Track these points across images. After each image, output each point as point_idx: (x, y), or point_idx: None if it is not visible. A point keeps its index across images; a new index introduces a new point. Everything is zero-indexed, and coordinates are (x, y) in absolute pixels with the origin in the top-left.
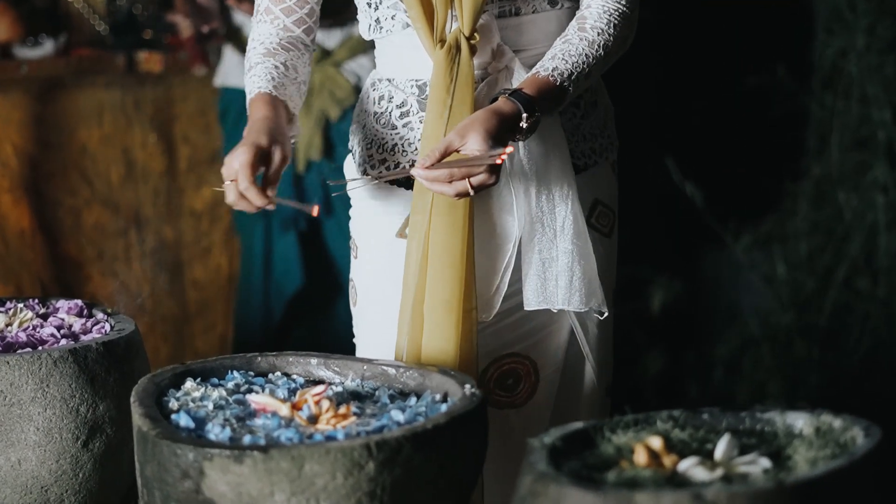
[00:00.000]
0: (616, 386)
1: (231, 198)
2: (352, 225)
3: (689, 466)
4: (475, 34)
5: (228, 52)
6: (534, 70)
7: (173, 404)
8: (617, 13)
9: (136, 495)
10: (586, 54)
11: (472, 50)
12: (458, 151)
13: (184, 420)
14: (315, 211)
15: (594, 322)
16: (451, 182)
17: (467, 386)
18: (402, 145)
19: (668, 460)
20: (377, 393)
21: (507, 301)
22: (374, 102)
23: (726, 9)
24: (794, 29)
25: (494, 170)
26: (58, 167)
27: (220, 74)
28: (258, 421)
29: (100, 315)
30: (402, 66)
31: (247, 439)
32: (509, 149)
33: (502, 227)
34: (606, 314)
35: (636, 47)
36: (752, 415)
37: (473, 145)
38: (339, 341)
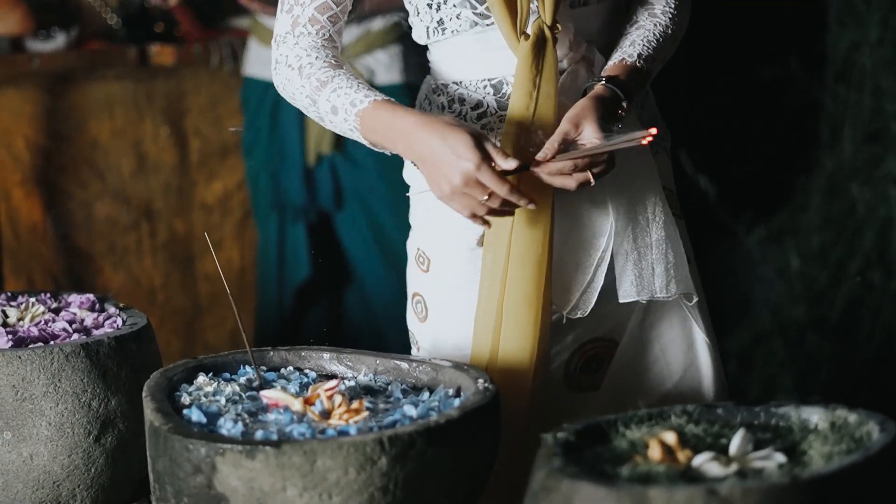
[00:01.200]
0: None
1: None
2: (418, 237)
3: (704, 461)
4: (557, 24)
5: (253, 45)
6: (617, 57)
7: (185, 399)
8: None
9: (148, 490)
10: (662, 38)
11: (555, 40)
12: (574, 141)
13: (196, 415)
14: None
15: (672, 308)
16: (572, 174)
17: (480, 380)
18: None
19: (682, 455)
20: (390, 388)
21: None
22: (442, 108)
23: (739, 1)
24: (806, 22)
25: (611, 158)
26: (69, 160)
27: (246, 64)
28: (270, 416)
29: (112, 309)
30: (472, 67)
31: (259, 434)
32: (653, 129)
33: (592, 221)
34: (697, 299)
35: None
36: (766, 409)
37: (589, 134)
38: (350, 330)
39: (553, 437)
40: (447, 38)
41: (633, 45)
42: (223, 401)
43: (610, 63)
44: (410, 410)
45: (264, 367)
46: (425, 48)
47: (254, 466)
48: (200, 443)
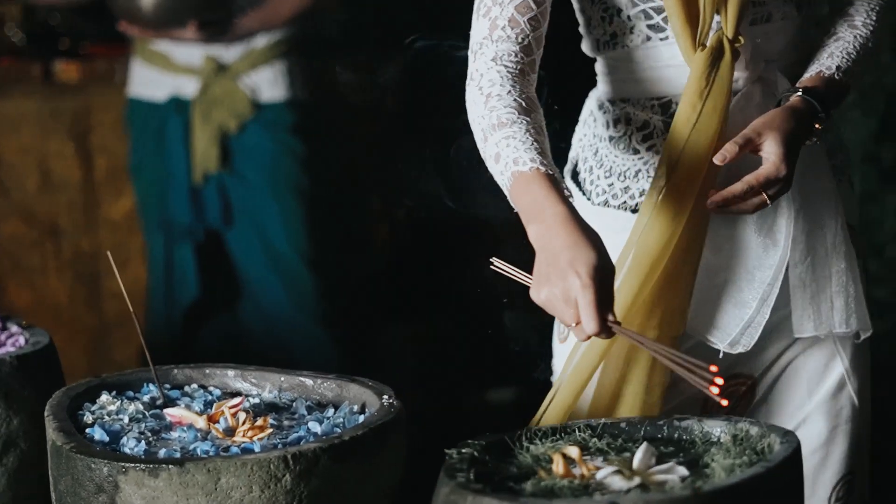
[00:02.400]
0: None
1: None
2: None
3: (607, 475)
4: (739, 38)
5: (136, 65)
6: (814, 69)
7: (88, 418)
8: (879, 6)
9: None
10: (863, 51)
11: (735, 55)
12: (759, 149)
13: (98, 434)
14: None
15: (857, 348)
16: (746, 198)
17: (385, 396)
18: (647, 170)
19: (585, 469)
20: (294, 404)
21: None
22: (608, 126)
23: None
24: None
25: (788, 178)
26: None
27: (130, 85)
28: (174, 434)
29: (14, 328)
30: (640, 84)
31: (162, 453)
32: (720, 381)
33: (756, 252)
34: (867, 333)
35: None
36: (670, 423)
37: (770, 147)
38: (252, 347)
39: (457, 453)
40: (618, 52)
41: (832, 56)
42: (126, 419)
43: (806, 75)
44: (315, 427)
45: (168, 385)
46: (592, 60)
47: (157, 485)
48: (103, 462)
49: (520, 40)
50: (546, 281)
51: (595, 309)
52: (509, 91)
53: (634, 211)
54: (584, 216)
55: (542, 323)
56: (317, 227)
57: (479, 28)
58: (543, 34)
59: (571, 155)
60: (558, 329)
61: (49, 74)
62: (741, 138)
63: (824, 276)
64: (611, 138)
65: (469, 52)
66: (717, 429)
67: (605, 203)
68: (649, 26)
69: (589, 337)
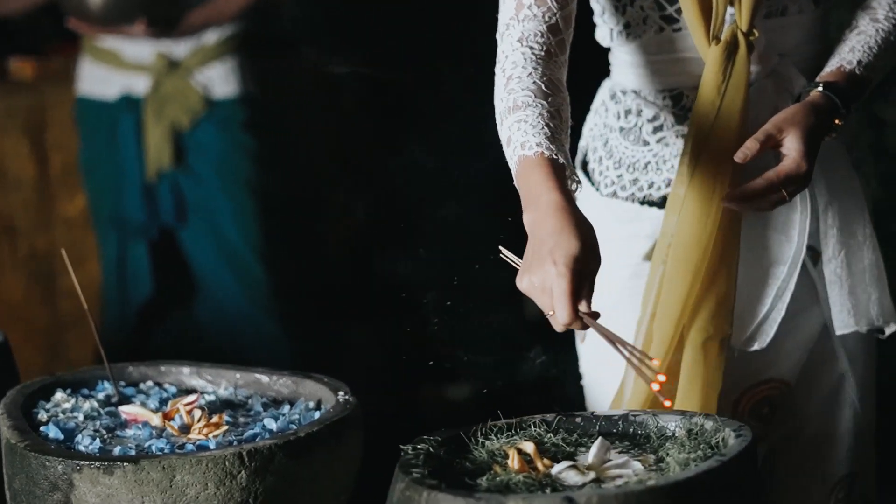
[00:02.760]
0: (497, 389)
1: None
2: None
3: (562, 470)
4: (754, 31)
5: (86, 63)
6: (835, 63)
7: (43, 416)
8: None
9: None
10: (886, 45)
11: (750, 48)
12: (780, 145)
13: (53, 432)
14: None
15: (861, 340)
16: (766, 195)
17: (341, 393)
18: (657, 163)
19: (541, 465)
20: (250, 401)
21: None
22: (619, 117)
23: None
24: None
25: (808, 174)
26: None
27: (80, 83)
28: (129, 431)
29: None
30: (652, 75)
31: (117, 450)
32: (662, 377)
33: (770, 248)
34: (894, 328)
35: None
36: (625, 418)
37: (791, 144)
38: (207, 344)
39: (412, 449)
40: (631, 42)
41: (853, 51)
42: (81, 417)
43: (827, 69)
44: (271, 424)
45: (123, 383)
46: (607, 50)
47: (112, 483)
48: (57, 460)
49: (547, 19)
50: (528, 268)
51: (567, 299)
52: (530, 73)
53: (643, 203)
54: (592, 206)
55: (501, 321)
56: (272, 223)
57: (506, 8)
58: (573, 13)
59: (581, 144)
60: (578, 332)
61: (4, 72)
62: (762, 134)
63: (859, 269)
64: (621, 129)
65: (497, 35)
66: (672, 423)
67: (614, 194)
68: (662, 17)
69: (565, 327)
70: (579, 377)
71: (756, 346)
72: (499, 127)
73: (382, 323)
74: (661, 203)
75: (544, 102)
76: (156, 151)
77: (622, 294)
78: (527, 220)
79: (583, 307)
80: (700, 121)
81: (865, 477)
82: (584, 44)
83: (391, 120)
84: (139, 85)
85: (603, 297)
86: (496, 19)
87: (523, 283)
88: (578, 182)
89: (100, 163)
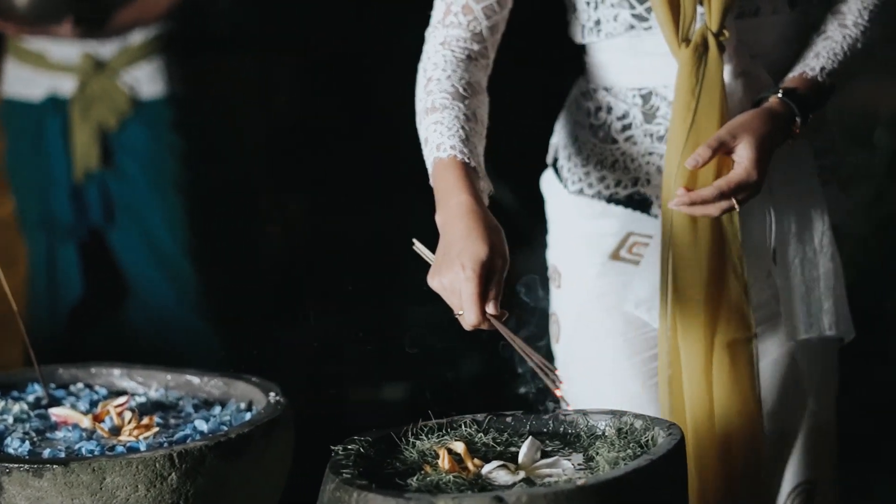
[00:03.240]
0: (432, 389)
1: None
2: (552, 252)
3: (492, 470)
4: (724, 31)
5: (11, 65)
6: (798, 69)
7: None
8: (875, 7)
9: None
10: (851, 52)
11: (721, 48)
12: (732, 151)
13: None
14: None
15: (819, 351)
16: (715, 202)
17: (272, 394)
18: (624, 161)
19: (471, 464)
20: (181, 403)
21: None
22: (589, 114)
23: None
24: None
25: (758, 183)
26: None
27: (4, 84)
28: (59, 434)
29: None
30: (622, 73)
31: (46, 453)
32: (559, 389)
33: (754, 245)
34: (851, 337)
35: None
36: (555, 417)
37: (743, 151)
38: (139, 345)
39: (343, 449)
40: (602, 40)
41: (818, 57)
42: (10, 419)
43: (790, 75)
44: (202, 425)
45: (53, 385)
46: (581, 48)
47: (41, 485)
48: None
49: (471, 28)
50: (438, 269)
51: (474, 302)
52: (449, 76)
53: (609, 201)
54: (560, 203)
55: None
56: (202, 223)
57: (436, 11)
58: (501, 21)
59: (553, 141)
60: (552, 331)
61: None
62: (714, 140)
63: (813, 277)
64: (590, 126)
65: (425, 33)
66: (602, 422)
67: (580, 191)
68: (633, 15)
69: (473, 328)
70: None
71: None
72: (418, 126)
73: (315, 322)
74: (626, 201)
75: (461, 105)
76: (83, 152)
77: (590, 294)
78: (438, 220)
79: (490, 309)
80: (678, 126)
81: (826, 485)
82: (566, 41)
83: (323, 119)
84: (65, 86)
85: (573, 295)
86: (428, 16)
87: (434, 283)
88: (488, 189)
89: (27, 164)
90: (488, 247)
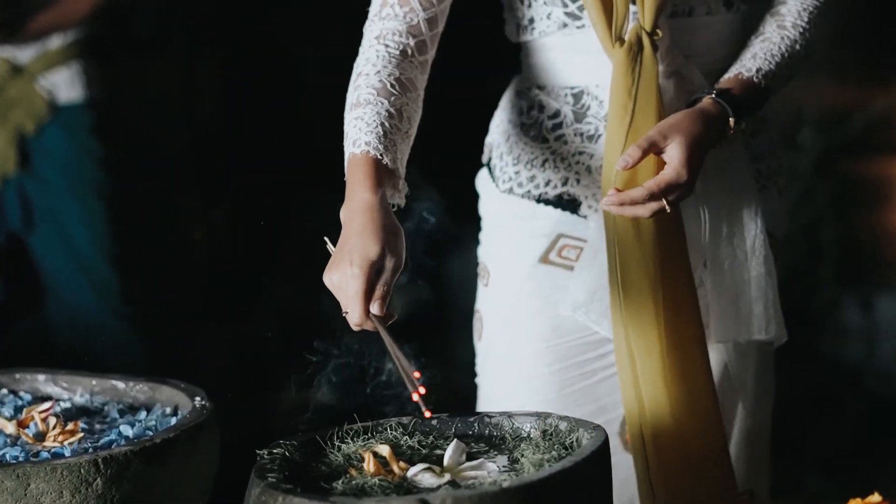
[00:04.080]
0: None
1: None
2: (483, 249)
3: (417, 472)
4: (657, 31)
5: None
6: (734, 70)
7: None
8: (815, 8)
9: None
10: (790, 54)
11: (655, 48)
12: (661, 151)
13: None
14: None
15: (754, 358)
16: (645, 203)
17: (197, 398)
18: (554, 160)
19: (396, 467)
20: (106, 408)
21: None
22: (522, 112)
23: None
24: None
25: (689, 184)
26: None
27: None
28: None
29: None
30: (556, 72)
31: None
32: (421, 390)
33: (689, 246)
34: (782, 341)
35: None
36: (481, 420)
37: (673, 152)
38: (62, 350)
39: (268, 453)
40: (536, 39)
41: (755, 58)
42: None
43: (726, 76)
44: (127, 430)
45: None
46: (517, 47)
47: None
48: None
49: (408, 20)
50: (331, 266)
51: (358, 300)
52: (378, 72)
53: (538, 200)
54: (492, 202)
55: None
56: (123, 227)
57: (373, 4)
58: (440, 14)
59: (488, 140)
60: (475, 328)
61: None
62: (645, 141)
63: (743, 280)
64: (522, 125)
65: (364, 28)
66: (527, 424)
67: (510, 190)
68: (566, 14)
69: (357, 327)
70: (467, 375)
71: None
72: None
73: (242, 326)
74: (556, 202)
75: (385, 101)
76: (1, 157)
77: (517, 296)
78: (342, 215)
79: (374, 309)
80: (615, 127)
81: (763, 493)
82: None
83: (245, 122)
84: None
85: (500, 296)
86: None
87: (326, 280)
88: (403, 189)
89: None
90: (380, 246)
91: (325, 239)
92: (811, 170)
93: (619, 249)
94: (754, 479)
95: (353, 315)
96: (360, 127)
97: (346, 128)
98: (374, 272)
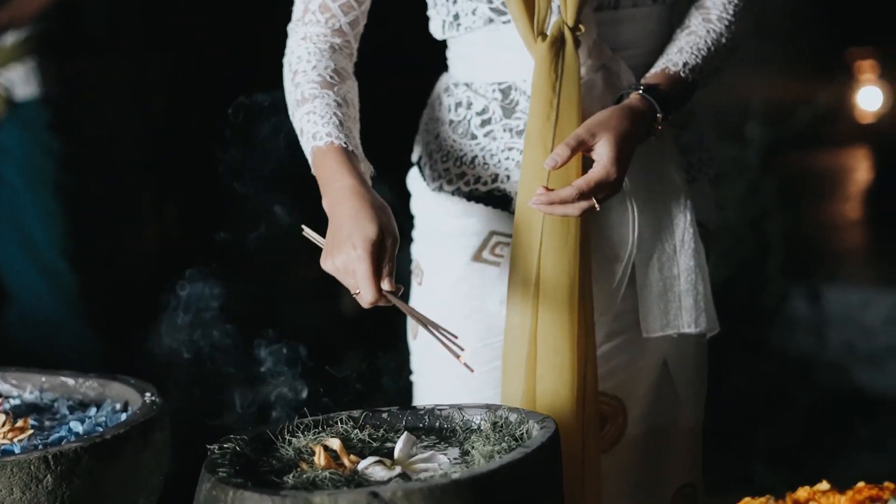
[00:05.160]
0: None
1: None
2: (415, 248)
3: (368, 466)
4: (580, 26)
5: None
6: (661, 64)
7: None
8: (740, 1)
9: None
10: (716, 47)
11: (577, 43)
12: (590, 149)
13: None
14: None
15: (692, 354)
16: (574, 202)
17: (147, 394)
18: (484, 157)
19: (347, 461)
20: (56, 404)
21: (601, 329)
22: (450, 110)
23: None
24: None
25: (618, 182)
26: None
27: None
28: None
29: None
30: (482, 68)
31: None
32: (463, 350)
33: (615, 241)
34: (714, 332)
35: None
36: (431, 412)
37: (601, 150)
38: (14, 348)
39: (219, 448)
40: (461, 35)
41: (681, 52)
42: None
43: (652, 70)
44: (77, 427)
45: None
46: (443, 44)
47: None
48: None
49: (330, 24)
50: (330, 252)
51: (370, 280)
52: (314, 66)
53: (469, 198)
54: (423, 201)
55: (318, 318)
56: (79, 224)
57: (295, 10)
58: (361, 15)
59: (417, 138)
60: (410, 327)
61: None
62: (573, 139)
63: (672, 274)
64: (451, 122)
65: (288, 28)
66: (477, 416)
67: (440, 188)
68: (491, 9)
69: (371, 305)
70: (409, 372)
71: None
72: (291, 119)
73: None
74: (486, 199)
75: (330, 92)
76: None
77: (452, 296)
78: (325, 204)
79: (385, 285)
80: (540, 123)
81: (700, 486)
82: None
83: (200, 119)
84: None
85: (434, 295)
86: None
87: (327, 266)
88: (369, 170)
89: None
90: (377, 226)
91: (304, 227)
92: (758, 164)
93: (543, 246)
94: (695, 471)
95: (367, 294)
96: (315, 120)
97: (298, 125)
98: (376, 251)
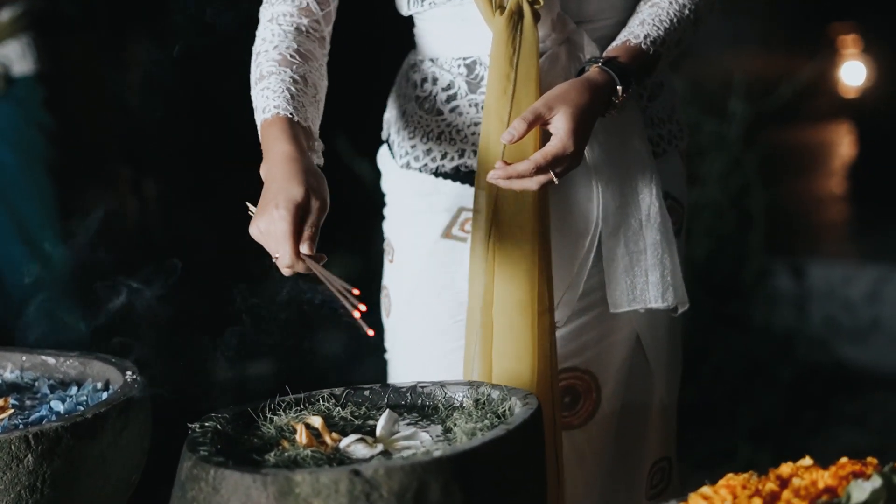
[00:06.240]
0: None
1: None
2: (386, 225)
3: (350, 444)
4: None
5: None
6: (622, 37)
7: None
8: None
9: None
10: (679, 19)
11: (536, 16)
12: (546, 123)
13: None
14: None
15: (665, 328)
16: (533, 175)
17: (128, 373)
18: (450, 133)
19: (329, 439)
20: (37, 384)
21: (567, 306)
22: (416, 86)
23: None
24: None
25: (577, 154)
26: None
27: None
28: None
29: None
30: (447, 43)
31: None
32: (363, 307)
33: (580, 216)
34: (685, 307)
35: None
36: (413, 390)
37: (559, 123)
38: None
39: (200, 426)
40: (426, 10)
41: (643, 24)
42: None
43: (614, 43)
44: (58, 406)
45: None
46: (409, 20)
47: None
48: None
49: (298, 3)
50: (257, 215)
51: (289, 240)
52: (276, 46)
53: (436, 174)
54: (393, 178)
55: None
56: (69, 202)
57: None
58: None
59: (386, 116)
60: (382, 304)
61: None
62: (530, 113)
63: (639, 249)
64: (417, 98)
65: (259, 13)
66: (459, 393)
67: (408, 165)
68: None
69: (289, 269)
70: (383, 350)
71: (557, 320)
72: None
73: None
74: (454, 175)
75: (288, 70)
76: None
77: (422, 273)
78: (262, 171)
79: (304, 249)
80: (498, 96)
81: (676, 462)
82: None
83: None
84: None
85: (405, 272)
86: None
87: (253, 231)
88: (315, 144)
89: None
90: (304, 188)
91: (247, 203)
92: (740, 139)
93: (499, 221)
94: (670, 446)
95: (284, 257)
96: (267, 95)
97: (254, 103)
98: (300, 214)
